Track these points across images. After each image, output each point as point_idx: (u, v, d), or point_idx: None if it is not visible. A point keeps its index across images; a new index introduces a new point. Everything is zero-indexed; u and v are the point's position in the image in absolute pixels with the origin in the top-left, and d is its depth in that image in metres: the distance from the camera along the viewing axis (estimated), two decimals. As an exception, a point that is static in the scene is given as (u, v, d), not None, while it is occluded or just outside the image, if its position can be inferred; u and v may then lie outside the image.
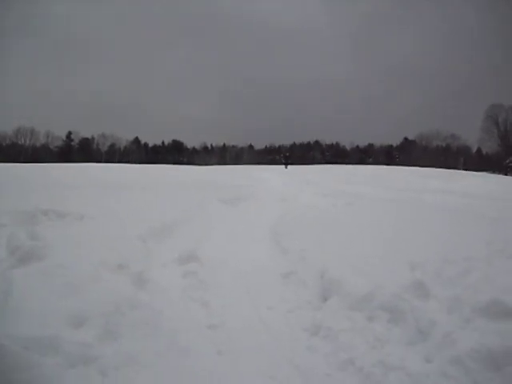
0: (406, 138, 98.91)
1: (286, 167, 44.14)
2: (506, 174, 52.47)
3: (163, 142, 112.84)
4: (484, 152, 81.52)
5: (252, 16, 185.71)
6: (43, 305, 4.40)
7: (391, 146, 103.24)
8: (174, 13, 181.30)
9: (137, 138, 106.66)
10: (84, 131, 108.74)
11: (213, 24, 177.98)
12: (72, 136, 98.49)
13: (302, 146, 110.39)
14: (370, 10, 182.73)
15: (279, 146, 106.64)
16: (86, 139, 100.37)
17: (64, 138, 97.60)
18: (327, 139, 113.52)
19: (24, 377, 3.30)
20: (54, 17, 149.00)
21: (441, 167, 43.09)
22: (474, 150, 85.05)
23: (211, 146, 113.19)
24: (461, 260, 6.11)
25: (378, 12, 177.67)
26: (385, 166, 45.59)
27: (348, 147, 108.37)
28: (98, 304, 4.64)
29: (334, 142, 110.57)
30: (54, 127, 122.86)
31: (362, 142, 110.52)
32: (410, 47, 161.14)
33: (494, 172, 50.29)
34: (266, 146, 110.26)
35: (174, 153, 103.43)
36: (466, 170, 46.16)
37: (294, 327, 5.09)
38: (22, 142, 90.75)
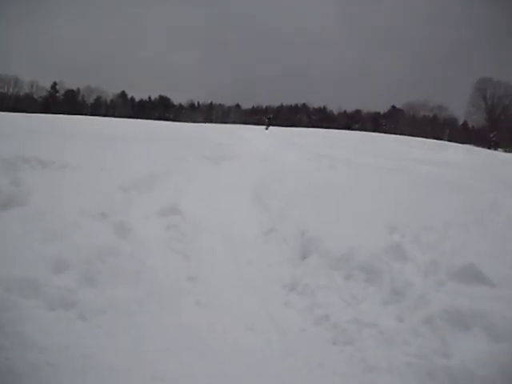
0: (393, 106, 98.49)
1: (267, 128, 42.50)
2: (489, 148, 52.78)
3: (150, 98, 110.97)
4: (470, 125, 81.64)
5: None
6: (24, 248, 4.42)
7: (378, 113, 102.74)
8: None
9: (123, 91, 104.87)
10: (70, 83, 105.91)
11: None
12: (57, 87, 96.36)
13: (289, 108, 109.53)
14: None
15: (266, 107, 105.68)
16: (72, 91, 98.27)
17: (49, 88, 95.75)
18: (315, 103, 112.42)
19: (5, 316, 3.33)
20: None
21: (427, 137, 43.18)
22: (461, 122, 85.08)
23: (198, 103, 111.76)
24: (439, 226, 6.23)
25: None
26: (371, 133, 45.50)
27: (335, 112, 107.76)
28: (78, 250, 4.66)
29: (322, 106, 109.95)
30: (39, 77, 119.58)
31: (350, 108, 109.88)
32: (401, 12, 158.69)
33: (478, 145, 50.55)
34: (252, 107, 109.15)
35: (160, 109, 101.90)
36: (451, 141, 46.28)
37: (272, 282, 5.20)
38: (5, 90, 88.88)
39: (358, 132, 45.60)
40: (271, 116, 54.32)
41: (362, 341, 3.83)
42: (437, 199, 8.43)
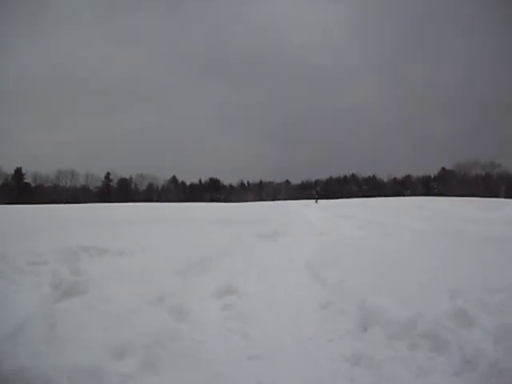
0: (443, 168, 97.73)
1: (316, 201, 43.65)
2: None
3: (200, 180, 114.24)
4: (528, 179, 79.41)
5: (288, 54, 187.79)
6: (86, 336, 4.51)
7: (429, 176, 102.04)
8: (211, 48, 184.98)
9: (174, 176, 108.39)
10: (122, 172, 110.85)
11: (248, 63, 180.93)
12: (111, 176, 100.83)
13: (338, 180, 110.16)
14: (400, 37, 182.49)
15: (315, 181, 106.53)
16: (124, 179, 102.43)
17: (103, 178, 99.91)
18: (364, 172, 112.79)
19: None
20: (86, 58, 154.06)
21: (481, 196, 42.27)
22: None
23: (248, 182, 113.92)
24: (505, 287, 5.95)
25: (405, 39, 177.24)
26: (421, 197, 44.84)
27: (385, 179, 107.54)
28: (138, 336, 4.71)
29: (371, 175, 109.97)
30: (93, 168, 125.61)
31: (399, 174, 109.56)
32: (443, 75, 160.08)
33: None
34: (302, 181, 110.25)
35: (211, 190, 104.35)
36: (508, 198, 45.03)
37: (335, 357, 5.02)
38: (63, 183, 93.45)
39: (409, 197, 45.14)
40: (318, 189, 54.95)
41: (437, 415, 3.62)
42: (499, 259, 8.13)
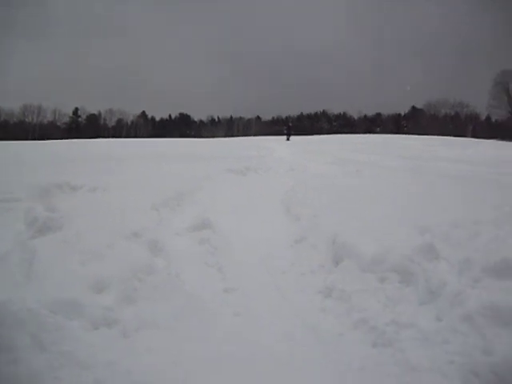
0: (413, 107, 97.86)
1: (288, 138, 39.49)
2: (515, 141, 52.00)
3: (170, 116, 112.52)
4: (493, 119, 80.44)
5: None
6: (64, 271, 4.57)
7: (399, 114, 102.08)
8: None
9: (143, 112, 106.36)
10: (91, 107, 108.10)
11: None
12: (79, 112, 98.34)
13: (309, 116, 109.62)
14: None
15: (286, 117, 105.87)
16: (93, 115, 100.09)
17: (71, 114, 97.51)
18: (335, 109, 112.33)
19: (53, 337, 3.46)
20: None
21: (449, 135, 42.74)
22: (484, 117, 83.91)
23: (218, 118, 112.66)
24: (470, 223, 6.18)
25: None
26: (392, 135, 45.15)
27: (356, 117, 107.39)
28: (116, 270, 4.78)
29: (342, 112, 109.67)
30: (61, 104, 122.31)
31: (370, 112, 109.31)
32: (416, 17, 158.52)
33: (503, 139, 49.85)
34: (273, 117, 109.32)
35: (181, 126, 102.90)
36: (475, 137, 45.68)
37: (307, 290, 5.23)
38: (30, 119, 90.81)
39: (378, 135, 45.37)
40: (291, 124, 47.92)
41: (402, 342, 3.83)
42: (465, 196, 8.38)
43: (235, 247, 6.57)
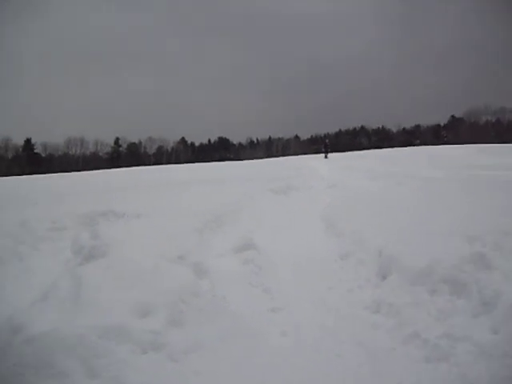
0: (453, 116, 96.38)
1: (326, 156, 38.12)
2: None
3: (209, 140, 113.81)
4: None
5: (284, 8, 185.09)
6: (111, 297, 4.60)
7: (438, 125, 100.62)
8: (213, 13, 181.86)
9: (183, 138, 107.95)
10: (131, 136, 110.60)
11: (251, 22, 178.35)
12: (120, 142, 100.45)
13: (347, 132, 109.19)
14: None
15: (324, 135, 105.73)
16: (134, 143, 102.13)
17: (112, 144, 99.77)
18: (373, 124, 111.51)
19: (103, 362, 3.48)
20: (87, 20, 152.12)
21: (492, 143, 41.81)
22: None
23: (257, 139, 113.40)
24: (522, 231, 5.98)
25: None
26: (431, 146, 44.39)
27: (394, 130, 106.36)
28: (161, 294, 4.79)
29: (380, 126, 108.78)
30: (103, 136, 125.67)
31: (409, 124, 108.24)
32: (454, 24, 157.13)
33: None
34: (311, 136, 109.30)
35: (220, 150, 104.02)
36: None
37: (355, 305, 5.13)
38: (73, 151, 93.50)
39: (418, 147, 44.68)
40: (327, 141, 44.91)
41: (457, 356, 3.68)
42: (513, 203, 8.12)
43: (279, 266, 6.52)
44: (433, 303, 4.62)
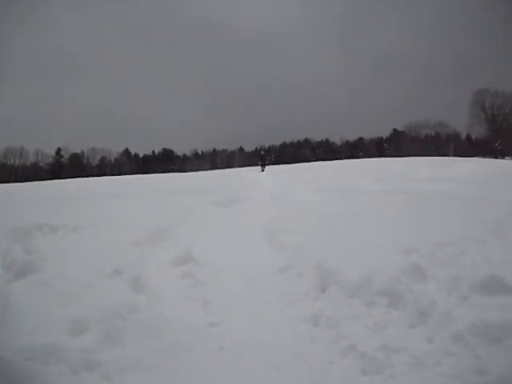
0: (395, 129, 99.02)
1: (263, 169, 34.62)
2: (495, 158, 52.70)
3: (153, 152, 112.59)
4: (474, 138, 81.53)
5: (234, 22, 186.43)
6: (42, 315, 4.43)
7: (381, 138, 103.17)
8: (156, 23, 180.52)
9: (127, 149, 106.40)
10: (73, 147, 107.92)
11: (195, 34, 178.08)
12: (62, 152, 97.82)
13: (292, 144, 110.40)
14: (347, 10, 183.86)
15: (269, 147, 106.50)
16: (76, 154, 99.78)
17: (54, 154, 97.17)
18: (317, 136, 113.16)
19: (28, 385, 3.31)
20: (37, 26, 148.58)
21: (432, 155, 43.12)
22: (464, 136, 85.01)
23: (202, 151, 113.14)
24: (455, 242, 6.13)
25: (355, 10, 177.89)
26: (373, 159, 45.40)
27: (338, 142, 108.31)
28: (96, 310, 4.66)
29: (324, 139, 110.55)
30: (43, 145, 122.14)
31: (352, 136, 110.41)
32: (393, 40, 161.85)
33: (484, 156, 50.49)
34: (256, 148, 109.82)
35: (164, 161, 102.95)
36: (456, 156, 46.13)
37: (294, 319, 5.13)
38: (12, 161, 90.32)
39: (361, 160, 45.57)
40: (263, 152, 42.21)
41: (393, 367, 3.74)
42: (449, 215, 8.33)
43: (219, 280, 6.43)
44: (370, 315, 4.69)
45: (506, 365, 3.19)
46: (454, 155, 53.60)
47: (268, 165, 38.47)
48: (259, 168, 35.43)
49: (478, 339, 3.61)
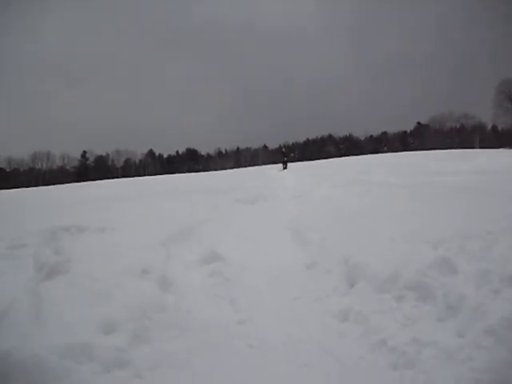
0: (418, 123, 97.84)
1: (285, 167, 32.91)
2: (523, 148, 51.79)
3: (177, 152, 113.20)
4: (500, 128, 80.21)
5: (252, 21, 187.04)
6: (73, 314, 4.49)
7: (405, 132, 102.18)
8: (175, 26, 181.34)
9: (151, 150, 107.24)
10: (98, 150, 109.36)
11: (214, 34, 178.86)
12: (87, 155, 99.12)
13: (315, 141, 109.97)
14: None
15: (292, 144, 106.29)
16: (101, 156, 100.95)
17: (79, 157, 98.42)
18: (341, 132, 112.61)
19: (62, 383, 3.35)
20: (53, 34, 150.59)
21: (456, 148, 42.61)
22: (489, 127, 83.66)
23: (225, 150, 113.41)
24: (484, 234, 6.05)
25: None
26: (398, 153, 44.95)
27: (362, 137, 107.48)
28: (125, 309, 4.71)
29: (348, 134, 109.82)
30: (70, 149, 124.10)
31: (376, 131, 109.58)
32: (416, 32, 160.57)
33: (511, 147, 49.59)
34: (279, 145, 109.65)
35: (189, 161, 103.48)
36: (482, 148, 45.42)
37: (322, 315, 5.11)
38: (39, 166, 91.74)
39: (386, 154, 45.16)
40: (284, 149, 41.31)
41: (424, 362, 3.70)
42: (478, 208, 8.22)
43: (246, 278, 6.45)
44: (399, 310, 4.65)
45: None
46: (480, 147, 52.83)
47: (290, 162, 36.95)
48: (282, 166, 34.14)
49: (510, 332, 3.55)
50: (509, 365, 3.26)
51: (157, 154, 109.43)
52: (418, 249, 5.83)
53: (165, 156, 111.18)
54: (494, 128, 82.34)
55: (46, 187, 28.79)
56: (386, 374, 3.75)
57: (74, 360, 3.72)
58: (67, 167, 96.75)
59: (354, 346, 4.33)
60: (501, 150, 36.25)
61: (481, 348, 3.58)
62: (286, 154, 37.21)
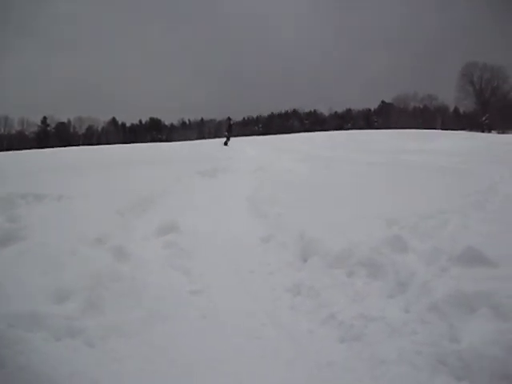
0: (383, 101, 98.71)
1: (227, 142, 28.51)
2: (482, 131, 52.94)
3: (140, 121, 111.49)
4: (461, 111, 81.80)
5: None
6: (25, 282, 4.43)
7: (369, 110, 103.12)
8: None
9: (114, 118, 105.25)
10: (59, 115, 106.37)
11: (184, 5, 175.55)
12: (48, 121, 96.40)
13: (280, 115, 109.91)
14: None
15: (257, 117, 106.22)
16: (62, 123, 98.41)
17: (39, 123, 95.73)
18: (306, 107, 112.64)
19: (11, 352, 3.31)
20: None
21: (419, 128, 43.19)
22: (452, 109, 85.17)
23: (189, 120, 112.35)
24: (437, 213, 6.24)
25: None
26: (361, 131, 45.29)
27: (326, 114, 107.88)
28: (79, 278, 4.65)
29: (312, 110, 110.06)
30: (29, 114, 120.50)
31: (340, 108, 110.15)
32: (383, 7, 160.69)
33: (471, 130, 50.63)
34: (243, 118, 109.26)
35: (152, 131, 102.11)
36: (444, 129, 46.23)
37: (276, 288, 5.19)
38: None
39: (348, 131, 45.47)
40: (231, 121, 33.52)
41: (370, 335, 3.81)
42: (432, 187, 8.43)
43: (202, 249, 6.48)
44: (351, 285, 4.75)
45: (478, 332, 3.27)
46: (442, 128, 53.72)
47: (233, 136, 31.78)
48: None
49: (453, 309, 3.67)
50: (448, 338, 3.39)
51: (120, 122, 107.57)
52: (373, 226, 5.96)
53: (128, 125, 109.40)
54: (456, 110, 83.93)
55: (4, 153, 28.10)
56: (334, 346, 3.85)
57: (23, 328, 3.67)
58: (26, 132, 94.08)
59: (305, 320, 4.42)
60: (461, 132, 37.02)
61: (424, 323, 3.70)
62: (231, 127, 31.50)
